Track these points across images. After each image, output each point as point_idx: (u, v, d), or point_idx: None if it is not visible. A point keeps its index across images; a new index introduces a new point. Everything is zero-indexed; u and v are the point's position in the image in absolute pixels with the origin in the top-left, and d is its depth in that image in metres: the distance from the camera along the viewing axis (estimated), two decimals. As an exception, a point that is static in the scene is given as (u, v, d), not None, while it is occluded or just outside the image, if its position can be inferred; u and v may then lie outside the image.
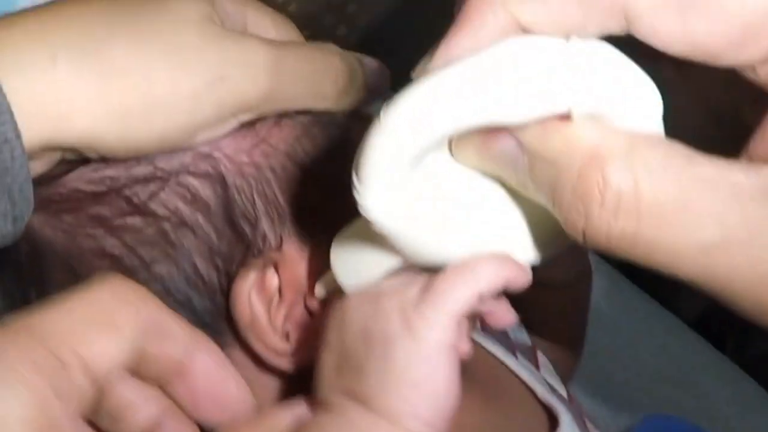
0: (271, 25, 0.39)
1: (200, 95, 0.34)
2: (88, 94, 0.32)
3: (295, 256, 0.37)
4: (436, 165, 0.27)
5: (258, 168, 0.37)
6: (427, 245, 0.28)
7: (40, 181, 0.34)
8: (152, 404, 0.32)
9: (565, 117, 0.23)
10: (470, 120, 0.24)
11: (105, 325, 0.29)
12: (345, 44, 0.41)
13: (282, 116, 0.38)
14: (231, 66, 0.34)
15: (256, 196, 0.37)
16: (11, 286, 0.38)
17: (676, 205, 0.22)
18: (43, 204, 0.35)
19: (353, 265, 0.33)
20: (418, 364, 0.29)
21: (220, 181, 0.36)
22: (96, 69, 0.32)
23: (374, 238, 0.29)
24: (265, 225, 0.37)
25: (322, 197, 0.37)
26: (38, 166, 0.34)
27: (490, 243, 0.28)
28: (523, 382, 0.46)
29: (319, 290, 0.35)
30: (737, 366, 0.68)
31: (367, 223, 0.28)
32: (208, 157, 0.36)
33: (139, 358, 0.30)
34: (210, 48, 0.34)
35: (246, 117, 0.36)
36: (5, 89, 0.30)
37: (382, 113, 0.25)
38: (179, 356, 0.31)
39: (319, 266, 0.36)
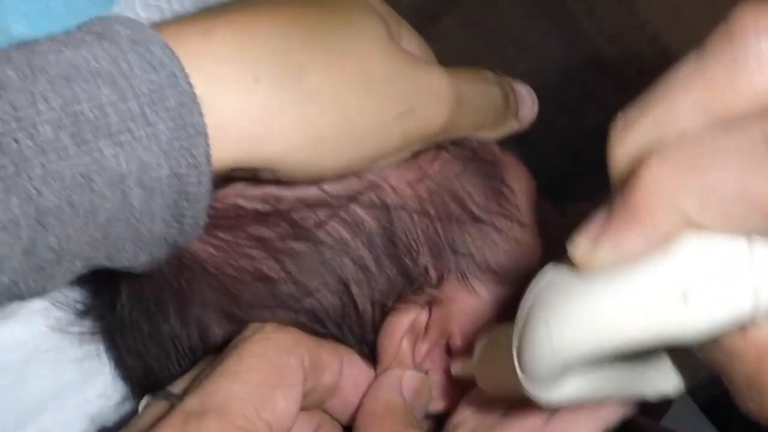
0: (417, 47, 0.38)
1: (390, 127, 0.32)
2: (286, 118, 0.30)
3: (450, 297, 0.36)
4: None
5: (421, 202, 0.36)
6: (585, 399, 0.27)
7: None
8: (304, 426, 0.34)
9: (748, 325, 0.21)
10: (648, 335, 0.22)
11: (280, 385, 0.30)
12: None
13: (440, 147, 0.37)
14: (419, 98, 0.33)
15: (419, 231, 0.35)
16: (148, 294, 0.36)
17: None
18: None
19: (494, 371, 0.32)
20: None
21: (384, 212, 0.35)
22: (296, 92, 0.30)
23: None
24: (427, 261, 0.35)
25: (479, 242, 0.36)
26: None
27: (644, 384, 0.28)
28: None
29: (456, 369, 0.35)
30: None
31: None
32: (374, 185, 0.35)
33: (305, 397, 0.31)
34: (400, 77, 0.33)
35: (419, 147, 0.35)
36: (207, 103, 0.28)
37: (547, 309, 0.23)
38: (334, 381, 0.33)
39: (472, 311, 0.36)
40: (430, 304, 0.36)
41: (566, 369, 0.23)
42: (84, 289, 0.40)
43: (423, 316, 0.36)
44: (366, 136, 0.32)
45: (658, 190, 0.20)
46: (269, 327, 0.32)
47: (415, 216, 0.36)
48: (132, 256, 0.30)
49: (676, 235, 0.21)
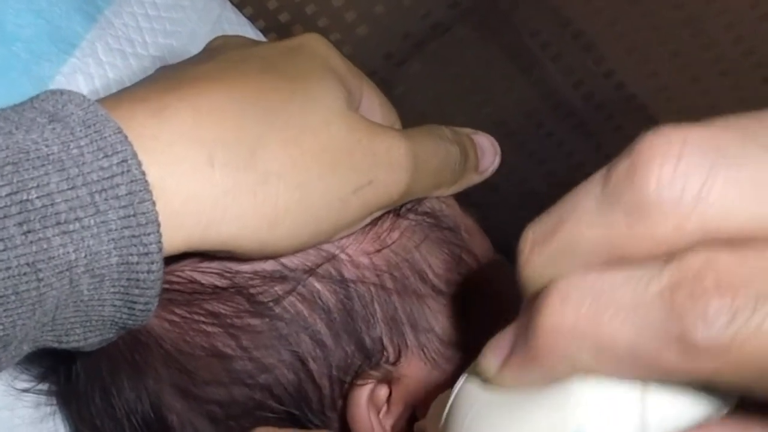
0: (378, 108, 0.38)
1: (349, 200, 0.32)
2: (241, 201, 0.30)
3: (411, 373, 0.36)
4: None
5: (379, 275, 0.36)
6: None
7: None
8: None
9: None
10: None
11: None
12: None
13: (397, 214, 0.37)
14: (378, 169, 0.33)
15: (376, 305, 0.35)
16: (103, 367, 0.35)
17: None
18: None
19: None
20: None
21: (342, 285, 0.35)
22: (251, 173, 0.30)
23: None
24: (384, 336, 0.35)
25: (440, 315, 0.36)
26: None
27: None
28: None
29: (417, 426, 0.35)
30: None
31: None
32: (332, 257, 0.35)
33: None
34: (358, 148, 0.33)
35: (378, 215, 0.35)
36: (160, 189, 0.28)
37: (458, 423, 0.24)
38: None
39: (435, 385, 0.36)
40: (389, 381, 0.36)
41: None
42: (42, 354, 0.40)
43: (381, 390, 0.36)
44: (326, 213, 0.32)
45: (555, 340, 0.21)
46: None
47: (372, 289, 0.35)
48: (81, 338, 0.30)
49: (573, 377, 0.21)
